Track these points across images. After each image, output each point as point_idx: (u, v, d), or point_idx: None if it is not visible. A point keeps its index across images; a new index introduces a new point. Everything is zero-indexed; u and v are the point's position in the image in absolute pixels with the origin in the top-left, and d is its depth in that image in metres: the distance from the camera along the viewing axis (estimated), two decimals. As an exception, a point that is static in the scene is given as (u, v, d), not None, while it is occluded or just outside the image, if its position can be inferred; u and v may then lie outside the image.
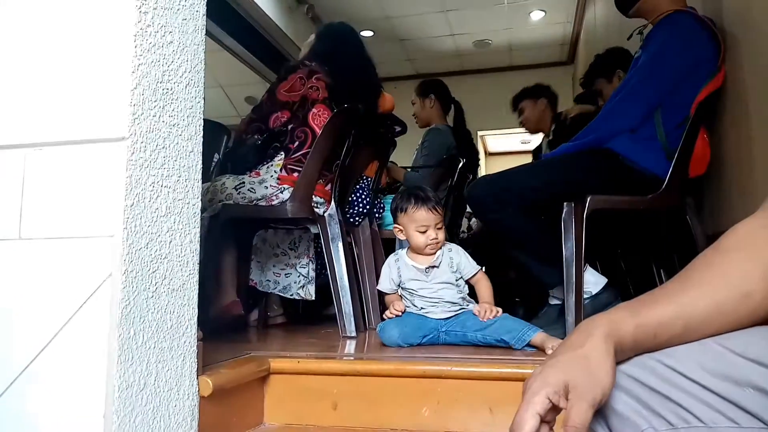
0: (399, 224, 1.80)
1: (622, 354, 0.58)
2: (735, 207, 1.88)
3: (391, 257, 1.84)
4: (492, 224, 1.99)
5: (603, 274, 1.96)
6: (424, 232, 1.73)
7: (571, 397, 0.53)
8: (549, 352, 1.46)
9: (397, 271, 1.79)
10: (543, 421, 0.54)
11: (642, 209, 1.88)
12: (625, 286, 2.59)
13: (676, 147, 1.81)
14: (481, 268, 1.79)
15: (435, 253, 1.76)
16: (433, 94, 3.47)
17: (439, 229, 1.75)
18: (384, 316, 1.77)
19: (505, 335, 1.56)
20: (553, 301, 1.95)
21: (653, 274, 2.40)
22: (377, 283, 2.40)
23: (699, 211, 1.96)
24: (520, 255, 1.97)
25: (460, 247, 1.81)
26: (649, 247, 2.43)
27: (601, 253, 2.50)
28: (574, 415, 0.52)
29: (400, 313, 1.72)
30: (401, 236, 1.81)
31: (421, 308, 1.73)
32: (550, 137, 3.39)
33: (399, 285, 1.79)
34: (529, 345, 1.52)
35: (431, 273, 1.74)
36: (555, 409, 0.55)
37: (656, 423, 0.53)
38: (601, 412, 0.56)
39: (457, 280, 1.75)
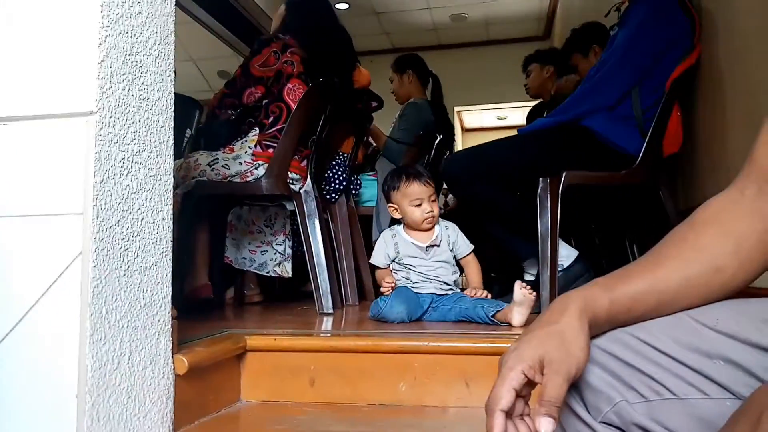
0: (393, 203, 1.79)
1: (597, 329, 0.58)
2: (707, 183, 1.92)
3: (387, 232, 1.83)
4: (467, 198, 2.00)
5: (577, 249, 1.99)
6: (419, 206, 1.74)
7: (546, 372, 0.53)
8: (515, 323, 1.48)
9: (394, 247, 1.77)
10: (518, 395, 0.54)
11: (616, 185, 1.90)
12: (599, 261, 2.63)
13: (651, 125, 1.83)
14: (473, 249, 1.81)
15: (432, 228, 1.76)
16: (410, 69, 3.43)
17: (433, 202, 1.76)
18: (382, 291, 1.76)
19: (483, 303, 1.60)
20: (527, 277, 1.98)
21: (626, 249, 2.44)
22: (354, 260, 2.41)
23: (672, 187, 1.99)
24: (494, 228, 1.98)
25: (455, 225, 1.82)
26: (623, 223, 2.46)
27: (575, 229, 2.53)
28: (549, 389, 0.52)
29: (392, 286, 1.73)
30: (397, 215, 1.80)
31: (415, 282, 1.74)
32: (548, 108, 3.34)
33: (393, 260, 1.79)
34: (499, 319, 1.54)
35: (431, 251, 1.75)
36: (530, 384, 0.55)
37: (629, 396, 0.54)
38: (575, 386, 0.57)
39: (453, 258, 1.78)
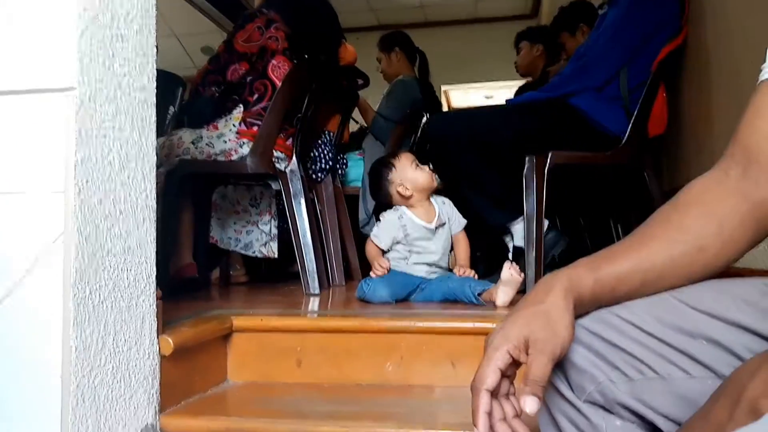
0: (397, 181, 1.76)
1: (582, 308, 0.58)
2: (692, 164, 1.93)
3: (392, 214, 1.77)
4: (449, 162, 1.97)
5: (562, 230, 2.00)
6: (422, 169, 1.76)
7: (531, 351, 0.54)
8: (499, 302, 1.49)
9: (402, 230, 1.73)
10: (504, 375, 0.55)
11: (601, 165, 1.91)
12: (584, 241, 2.65)
13: (637, 106, 1.83)
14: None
15: (429, 200, 1.77)
16: (398, 47, 3.39)
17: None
18: (372, 274, 1.74)
19: (470, 282, 1.61)
20: (509, 254, 1.98)
21: (611, 230, 2.46)
22: (340, 240, 2.40)
23: (657, 168, 2.00)
24: (473, 196, 1.97)
25: (448, 200, 1.82)
26: (608, 204, 2.48)
27: (560, 209, 2.54)
28: (534, 368, 0.53)
29: (386, 271, 1.71)
30: (408, 191, 1.75)
31: (413, 263, 1.73)
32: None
33: (398, 242, 1.76)
34: (485, 299, 1.55)
35: (438, 231, 1.75)
36: (515, 364, 0.56)
37: (613, 375, 0.55)
38: (560, 365, 0.57)
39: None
